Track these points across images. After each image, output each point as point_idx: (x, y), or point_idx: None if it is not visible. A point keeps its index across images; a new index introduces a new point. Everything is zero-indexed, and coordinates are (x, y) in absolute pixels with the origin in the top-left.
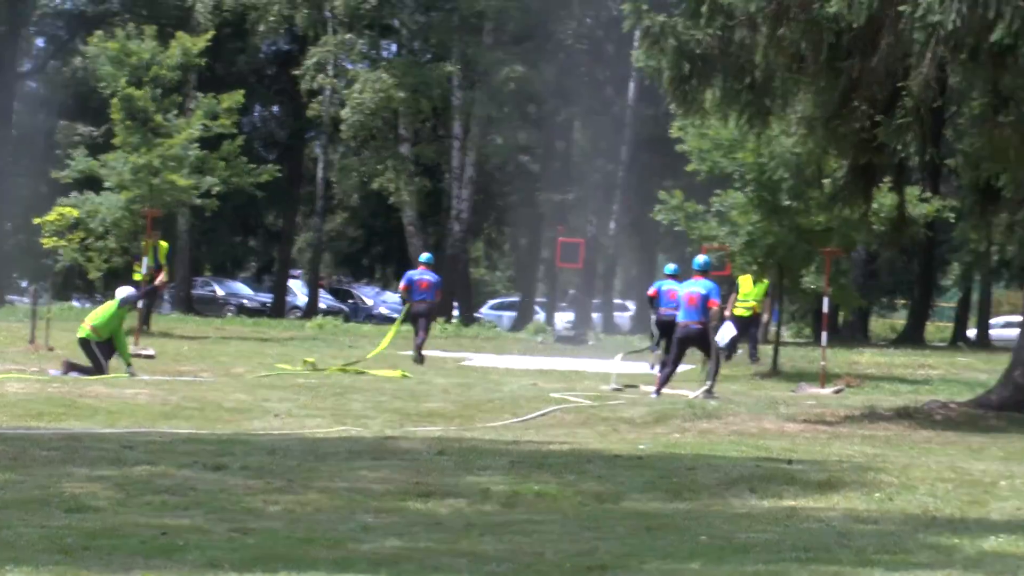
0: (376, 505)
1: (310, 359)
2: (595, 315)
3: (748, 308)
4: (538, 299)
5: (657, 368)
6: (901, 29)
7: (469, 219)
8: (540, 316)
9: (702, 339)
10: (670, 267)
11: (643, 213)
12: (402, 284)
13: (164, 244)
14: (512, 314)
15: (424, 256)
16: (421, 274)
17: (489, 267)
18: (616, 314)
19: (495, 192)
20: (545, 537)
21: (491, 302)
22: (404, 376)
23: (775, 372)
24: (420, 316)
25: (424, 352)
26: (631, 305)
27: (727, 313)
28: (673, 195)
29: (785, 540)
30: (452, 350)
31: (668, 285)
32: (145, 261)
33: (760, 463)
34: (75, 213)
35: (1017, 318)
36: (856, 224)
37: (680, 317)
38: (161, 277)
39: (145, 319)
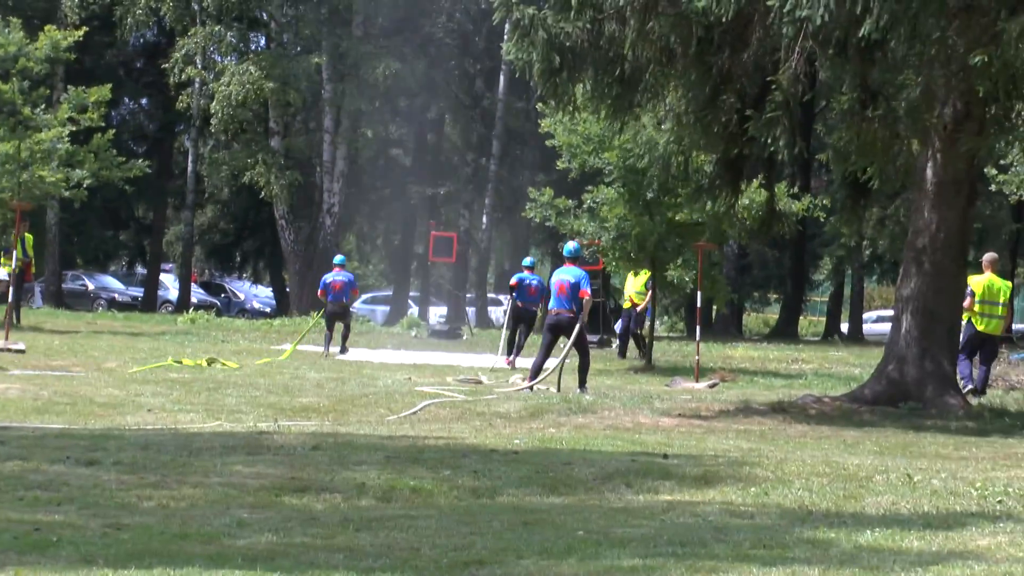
0: (251, 500)
1: (204, 359)
2: (469, 309)
3: (625, 300)
4: (411, 293)
5: (505, 359)
6: (770, 23)
7: (341, 213)
8: (414, 310)
9: (570, 327)
10: (528, 260)
11: (516, 207)
12: (319, 290)
13: (30, 236)
14: (385, 308)
15: (337, 258)
16: (335, 276)
17: (361, 261)
18: (490, 308)
19: (367, 186)
20: (421, 532)
21: (364, 296)
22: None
23: (649, 366)
24: (336, 317)
25: (301, 347)
26: (504, 299)
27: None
28: (543, 192)
29: (662, 535)
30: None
31: (528, 277)
32: (14, 254)
33: (636, 458)
34: None
35: (889, 312)
36: (725, 218)
37: (551, 305)
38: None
39: (15, 313)
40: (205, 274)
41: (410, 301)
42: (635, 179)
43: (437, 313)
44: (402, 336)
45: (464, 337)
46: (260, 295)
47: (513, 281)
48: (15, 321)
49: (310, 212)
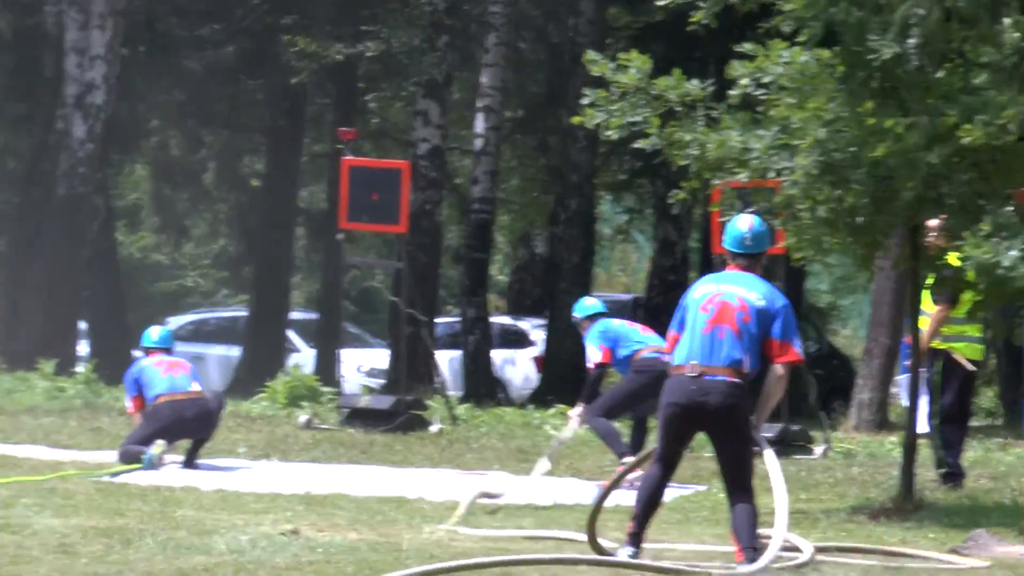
0: None
1: None
2: (445, 356)
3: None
4: (293, 315)
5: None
6: None
7: (104, 107)
8: (299, 356)
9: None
10: (587, 306)
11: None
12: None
13: None
14: (230, 351)
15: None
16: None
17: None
18: (502, 352)
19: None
20: None
21: (179, 322)
22: None
23: (908, 500)
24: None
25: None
26: (532, 328)
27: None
28: (626, 61)
29: None
30: (76, 443)
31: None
32: None
33: None
34: None
35: None
36: None
37: (685, 355)
38: None
39: None
40: None
41: (291, 334)
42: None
43: (361, 362)
44: (274, 424)
45: (435, 426)
46: None
47: (602, 353)
48: None
49: (32, 105)
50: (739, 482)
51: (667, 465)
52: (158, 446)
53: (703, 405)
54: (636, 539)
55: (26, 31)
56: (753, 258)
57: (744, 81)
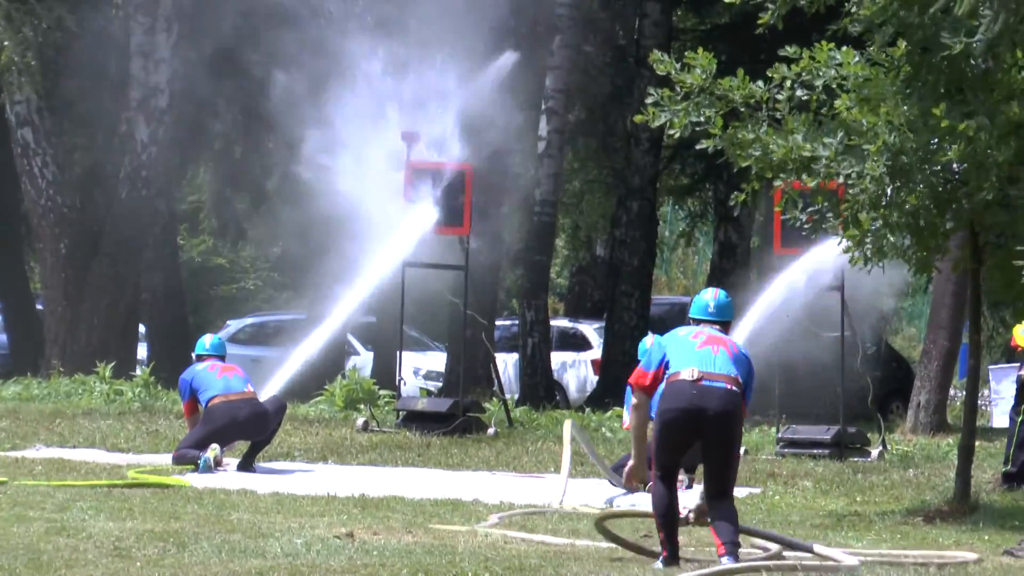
0: None
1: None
2: (504, 358)
3: None
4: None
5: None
6: None
7: (167, 130)
8: (358, 359)
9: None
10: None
11: (609, 102)
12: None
13: None
14: (279, 352)
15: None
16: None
17: (224, 237)
18: (562, 356)
19: (217, 64)
20: None
21: (232, 328)
22: None
23: (964, 503)
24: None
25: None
26: (594, 332)
27: None
28: (691, 60)
29: None
30: (134, 446)
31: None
32: None
33: None
34: None
35: None
36: None
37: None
38: None
39: None
40: None
41: (350, 338)
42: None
43: (420, 366)
44: (332, 427)
45: (491, 429)
46: None
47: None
48: None
49: (99, 109)
50: (724, 487)
51: (669, 477)
52: (212, 449)
53: (703, 410)
54: (675, 557)
55: (92, 33)
56: (721, 324)
57: (788, 84)
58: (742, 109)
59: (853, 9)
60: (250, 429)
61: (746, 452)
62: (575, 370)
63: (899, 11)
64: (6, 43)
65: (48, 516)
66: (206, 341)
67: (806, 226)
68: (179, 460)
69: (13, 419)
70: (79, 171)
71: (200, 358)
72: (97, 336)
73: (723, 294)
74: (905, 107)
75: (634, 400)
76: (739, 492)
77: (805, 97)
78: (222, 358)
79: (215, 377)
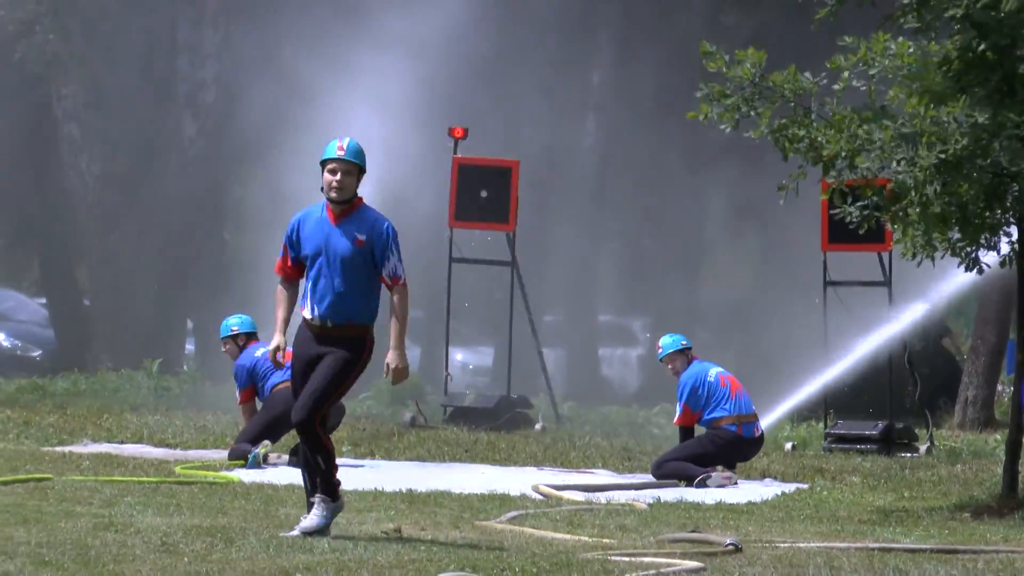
0: None
1: None
2: (550, 355)
3: None
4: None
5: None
6: None
7: (226, 103)
8: (409, 354)
9: None
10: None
11: (666, 105)
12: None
13: None
14: None
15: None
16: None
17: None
18: (604, 351)
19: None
20: None
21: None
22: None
23: (1009, 499)
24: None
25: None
26: (639, 329)
27: None
28: (741, 56)
29: None
30: (181, 442)
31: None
32: None
33: None
34: None
35: None
36: None
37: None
38: None
39: None
40: None
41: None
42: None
43: (468, 364)
44: (378, 422)
45: (538, 425)
46: (15, 315)
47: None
48: None
49: (145, 99)
50: None
51: None
52: (264, 446)
53: None
54: None
55: (138, 27)
56: None
57: (845, 74)
58: (791, 103)
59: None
60: None
61: (794, 447)
62: (622, 366)
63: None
64: (51, 35)
65: (95, 512)
66: (232, 322)
67: (855, 220)
68: (234, 454)
69: (61, 415)
70: (125, 166)
71: (234, 339)
72: (144, 331)
73: None
74: (957, 101)
75: None
76: (787, 487)
77: (862, 88)
78: (256, 336)
79: (270, 366)
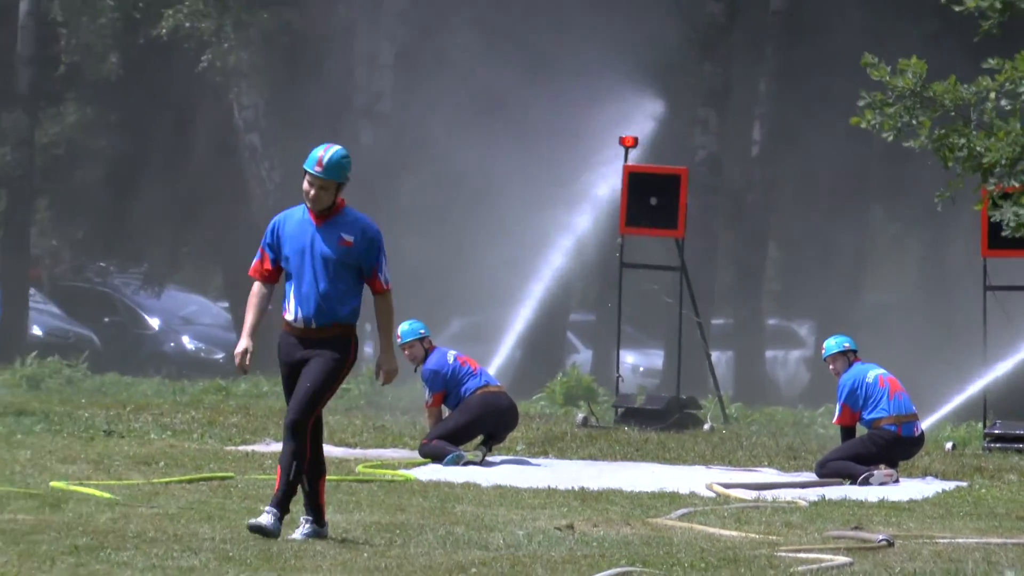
0: None
1: None
2: (717, 355)
3: None
4: (574, 317)
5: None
6: None
7: (399, 115)
8: (579, 358)
9: None
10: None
11: (826, 113)
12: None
13: None
14: None
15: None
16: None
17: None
18: (770, 353)
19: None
20: None
21: None
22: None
23: None
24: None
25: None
26: (805, 332)
27: None
28: (903, 66)
29: None
30: (361, 442)
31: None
32: None
33: None
34: None
35: None
36: None
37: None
38: None
39: None
40: (64, 268)
41: (571, 336)
42: None
43: (639, 366)
44: (552, 422)
45: (707, 425)
46: (199, 319)
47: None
48: None
49: (320, 110)
50: None
51: None
52: (474, 454)
53: None
54: None
55: (316, 38)
56: None
57: (992, 95)
58: (952, 112)
59: None
60: (505, 421)
61: (954, 447)
62: (787, 367)
63: None
64: (232, 46)
65: None
66: (417, 326)
67: (1011, 224)
68: (429, 451)
69: (244, 415)
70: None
71: (421, 342)
72: None
73: None
74: None
75: None
76: (947, 485)
77: (1008, 107)
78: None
79: (470, 369)
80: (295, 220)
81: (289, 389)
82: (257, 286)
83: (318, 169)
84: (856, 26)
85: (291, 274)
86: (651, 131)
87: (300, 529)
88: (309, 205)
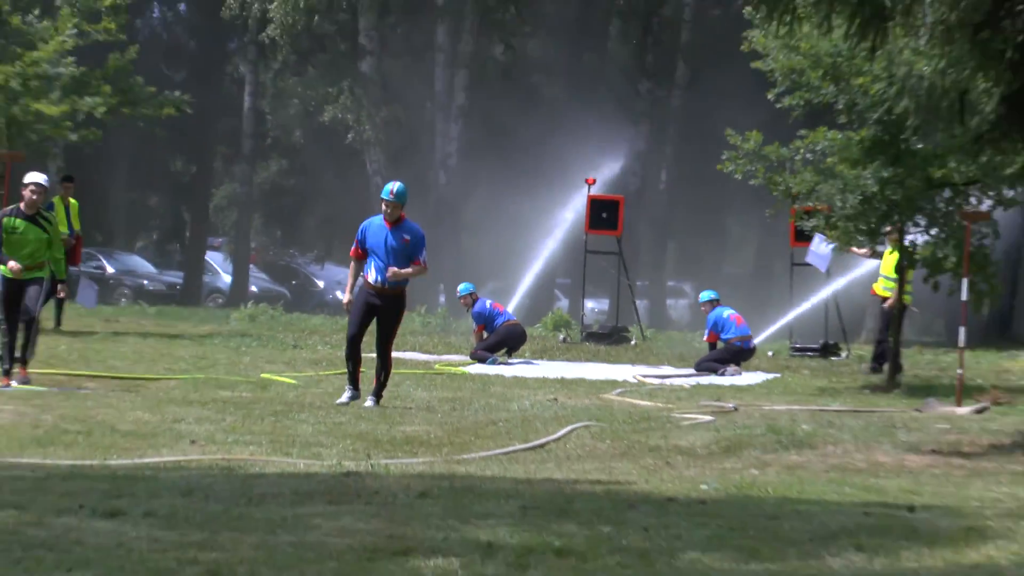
0: (334, 566)
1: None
2: (640, 303)
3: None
4: (559, 280)
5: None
6: None
7: (460, 165)
8: (561, 304)
9: None
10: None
11: (707, 158)
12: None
13: (75, 202)
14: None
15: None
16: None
17: (484, 234)
18: (669, 302)
19: (496, 126)
20: None
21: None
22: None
23: (893, 384)
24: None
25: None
26: (688, 289)
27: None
28: (747, 137)
29: None
30: (436, 351)
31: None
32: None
33: (870, 510)
34: None
35: None
36: (1013, 178)
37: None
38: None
39: (56, 317)
40: (270, 253)
41: (556, 291)
42: (890, 119)
43: (594, 308)
44: (544, 340)
45: (632, 341)
46: (346, 281)
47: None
48: (56, 324)
49: (417, 163)
50: None
51: None
52: (502, 355)
53: None
54: None
55: (411, 122)
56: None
57: (801, 152)
58: (775, 163)
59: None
60: (519, 340)
61: (772, 354)
62: (677, 309)
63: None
64: (365, 126)
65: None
66: (468, 286)
67: (808, 228)
68: (476, 357)
69: (370, 336)
70: (409, 177)
71: (471, 295)
72: (417, 298)
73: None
74: (865, 166)
75: None
76: (768, 376)
77: (811, 157)
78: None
79: (499, 310)
80: (375, 224)
81: (357, 316)
82: (352, 263)
83: (391, 197)
84: (729, 104)
85: (371, 253)
86: (603, 174)
87: (367, 401)
88: (385, 217)
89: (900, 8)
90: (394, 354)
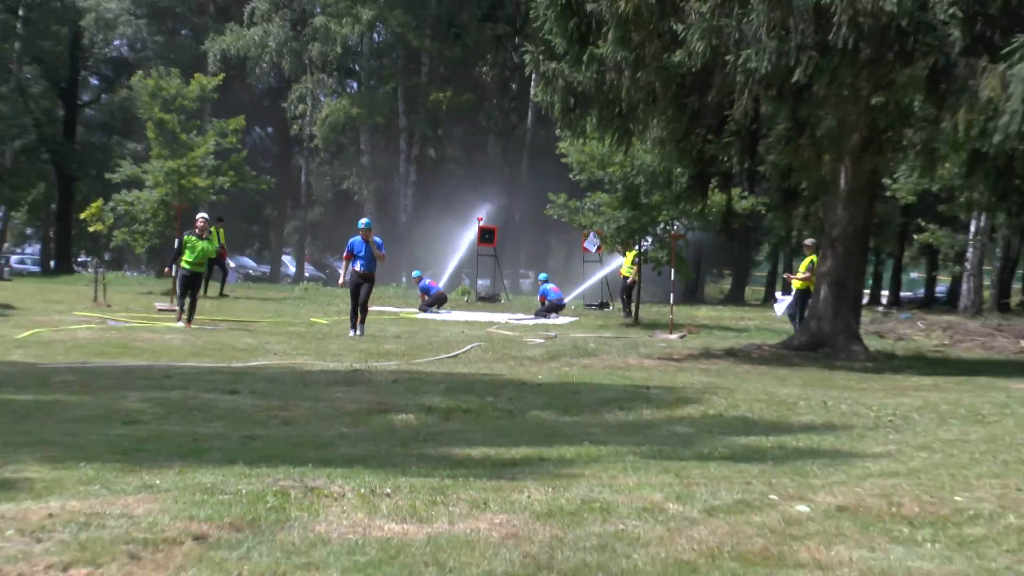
0: (349, 419)
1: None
2: (506, 281)
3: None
4: (465, 269)
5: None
6: (727, 73)
7: (412, 211)
8: (466, 282)
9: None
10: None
11: (540, 207)
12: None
13: (221, 229)
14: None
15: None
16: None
17: (424, 248)
18: (521, 281)
19: (431, 193)
20: (472, 441)
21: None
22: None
23: (636, 323)
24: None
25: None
26: (531, 273)
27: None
28: (559, 196)
29: (645, 443)
30: (399, 306)
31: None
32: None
33: (626, 388)
34: (124, 205)
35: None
36: (698, 217)
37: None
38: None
39: (221, 287)
40: (314, 255)
41: (463, 276)
42: (631, 187)
43: (482, 283)
44: (457, 301)
45: (502, 300)
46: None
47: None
48: (221, 293)
49: (390, 207)
50: None
51: None
52: (434, 308)
53: None
54: None
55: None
56: None
57: (587, 203)
58: (573, 209)
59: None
60: (444, 301)
61: (576, 308)
62: (529, 285)
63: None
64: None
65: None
66: (417, 272)
67: (596, 240)
68: (422, 309)
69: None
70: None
71: (422, 278)
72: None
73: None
74: (620, 211)
75: None
76: (574, 318)
77: (592, 206)
78: (422, 277)
79: (435, 286)
80: (358, 240)
81: (352, 290)
82: (345, 262)
83: (363, 225)
84: (551, 178)
85: (356, 256)
86: (486, 213)
87: (358, 331)
88: (362, 236)
89: (637, 130)
90: (375, 308)
